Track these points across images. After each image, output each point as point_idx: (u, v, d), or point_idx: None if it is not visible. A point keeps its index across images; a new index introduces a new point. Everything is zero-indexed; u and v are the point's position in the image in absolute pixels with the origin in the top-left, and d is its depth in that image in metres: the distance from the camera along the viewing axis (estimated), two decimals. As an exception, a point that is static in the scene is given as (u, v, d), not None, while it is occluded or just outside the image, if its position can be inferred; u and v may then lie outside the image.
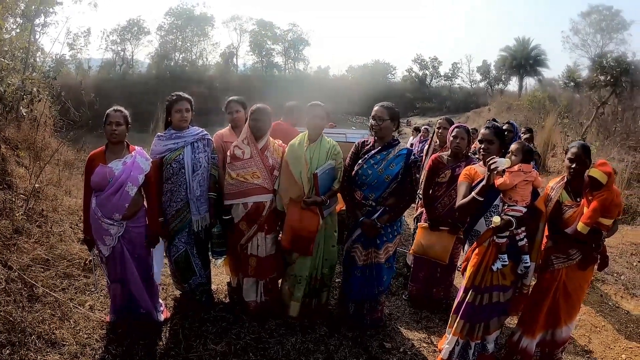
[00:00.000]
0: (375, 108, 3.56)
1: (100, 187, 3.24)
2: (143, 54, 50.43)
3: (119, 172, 3.24)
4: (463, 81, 43.26)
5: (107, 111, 3.33)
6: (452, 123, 4.61)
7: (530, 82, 36.45)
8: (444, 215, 3.96)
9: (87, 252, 4.78)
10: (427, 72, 42.73)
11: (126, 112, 3.38)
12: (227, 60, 37.50)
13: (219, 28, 36.65)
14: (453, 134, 3.96)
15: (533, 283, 3.35)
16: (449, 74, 43.09)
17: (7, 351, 2.99)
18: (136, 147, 3.46)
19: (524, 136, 6.14)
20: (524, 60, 35.62)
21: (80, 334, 3.40)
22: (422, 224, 4.12)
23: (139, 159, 3.35)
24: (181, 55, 35.76)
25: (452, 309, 3.34)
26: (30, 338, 3.17)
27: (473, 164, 3.67)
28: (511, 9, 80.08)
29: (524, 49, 36.33)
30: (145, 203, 3.49)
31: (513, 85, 38.71)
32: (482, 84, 41.74)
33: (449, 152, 4.01)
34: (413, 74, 42.58)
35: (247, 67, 40.03)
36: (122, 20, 40.28)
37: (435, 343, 3.73)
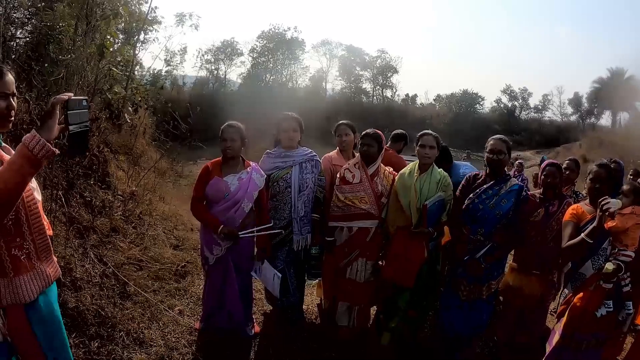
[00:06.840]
0: (493, 142, 3.40)
1: (215, 199, 3.31)
2: (235, 73, 52.16)
3: (235, 188, 3.29)
4: (554, 114, 41.24)
5: (222, 127, 3.39)
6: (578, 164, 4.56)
7: (624, 116, 33.95)
8: (537, 258, 3.62)
9: (179, 258, 4.94)
10: (516, 103, 41.17)
11: (241, 127, 3.41)
12: (316, 84, 38.21)
13: (309, 52, 37.40)
14: (544, 172, 3.73)
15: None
16: (539, 106, 41.27)
17: (96, 344, 3.08)
18: (251, 162, 3.50)
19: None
20: (617, 93, 33.27)
21: (169, 336, 3.45)
22: (512, 263, 3.82)
23: (254, 175, 3.38)
24: (272, 77, 36.70)
25: (545, 356, 3.09)
26: (119, 334, 3.25)
27: (567, 201, 3.49)
28: (606, 38, 76.03)
29: (617, 80, 34.00)
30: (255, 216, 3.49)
31: (606, 119, 36.31)
32: (573, 118, 39.53)
33: (541, 190, 3.78)
34: (502, 105, 41.17)
35: (335, 91, 40.40)
36: (217, 40, 42.24)
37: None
